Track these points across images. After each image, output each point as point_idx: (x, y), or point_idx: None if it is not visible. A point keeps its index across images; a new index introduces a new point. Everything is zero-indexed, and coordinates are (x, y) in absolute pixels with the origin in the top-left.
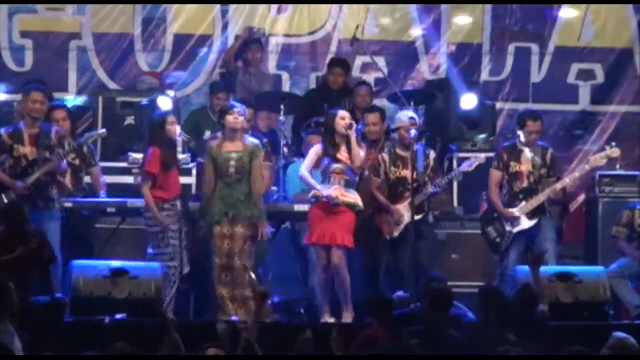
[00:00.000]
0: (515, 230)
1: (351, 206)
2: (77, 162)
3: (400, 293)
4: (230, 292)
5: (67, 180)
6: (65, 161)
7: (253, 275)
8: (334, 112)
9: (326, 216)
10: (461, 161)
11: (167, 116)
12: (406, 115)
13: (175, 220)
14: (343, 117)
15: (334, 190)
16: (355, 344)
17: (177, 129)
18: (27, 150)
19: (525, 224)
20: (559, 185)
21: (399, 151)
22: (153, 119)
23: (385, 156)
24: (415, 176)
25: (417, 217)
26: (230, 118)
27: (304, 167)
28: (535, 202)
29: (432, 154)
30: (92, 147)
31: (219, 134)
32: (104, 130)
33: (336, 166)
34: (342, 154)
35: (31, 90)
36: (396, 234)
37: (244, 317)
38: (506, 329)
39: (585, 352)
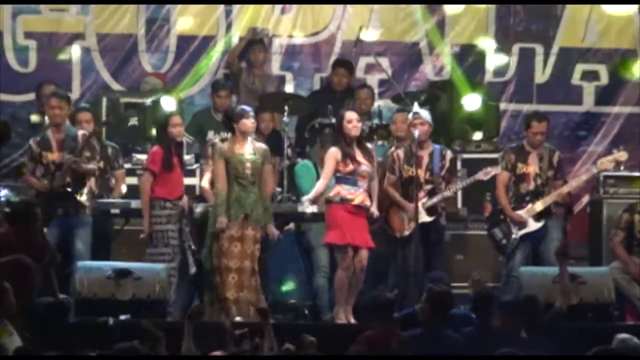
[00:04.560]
0: (521, 232)
1: (366, 209)
2: (102, 164)
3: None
4: (235, 295)
5: (92, 183)
6: (93, 164)
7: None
8: (341, 116)
9: (351, 217)
10: (465, 162)
11: (171, 117)
12: (412, 112)
13: (175, 220)
14: (350, 120)
15: (361, 194)
16: (357, 344)
17: (182, 131)
18: (54, 156)
19: (532, 226)
20: (565, 189)
21: (414, 149)
22: (158, 119)
23: (400, 153)
24: (429, 177)
25: (430, 219)
26: (247, 122)
27: (327, 177)
28: (542, 204)
29: (449, 155)
30: (117, 149)
31: (222, 134)
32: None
33: (364, 169)
34: (359, 156)
35: (50, 95)
36: (407, 232)
37: (246, 320)
38: (517, 327)
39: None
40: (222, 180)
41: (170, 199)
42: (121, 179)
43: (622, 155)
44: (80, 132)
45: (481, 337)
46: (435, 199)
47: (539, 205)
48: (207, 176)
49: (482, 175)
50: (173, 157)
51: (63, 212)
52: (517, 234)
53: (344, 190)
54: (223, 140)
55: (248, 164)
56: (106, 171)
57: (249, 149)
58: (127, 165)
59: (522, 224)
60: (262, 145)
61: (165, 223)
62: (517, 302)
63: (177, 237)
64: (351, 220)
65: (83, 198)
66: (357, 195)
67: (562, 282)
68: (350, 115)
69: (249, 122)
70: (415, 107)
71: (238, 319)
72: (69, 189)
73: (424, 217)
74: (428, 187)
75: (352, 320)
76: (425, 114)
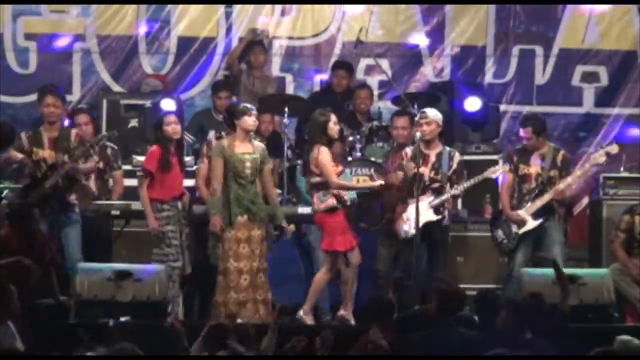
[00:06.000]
0: (521, 230)
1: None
2: (101, 165)
3: None
4: (247, 295)
5: (92, 184)
6: (93, 162)
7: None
8: (326, 117)
9: (346, 220)
10: (465, 164)
11: (165, 116)
12: (420, 110)
13: (175, 221)
14: (336, 122)
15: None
16: (357, 347)
17: (177, 129)
18: (46, 153)
19: (530, 224)
20: (561, 185)
21: (422, 148)
22: (155, 119)
23: (409, 151)
24: (434, 175)
25: (436, 218)
26: (249, 120)
27: (335, 177)
28: (540, 202)
29: (457, 157)
30: (117, 150)
31: (223, 133)
32: (114, 132)
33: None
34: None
35: (45, 94)
36: (412, 232)
37: (261, 319)
38: (521, 327)
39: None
40: (219, 179)
41: (167, 199)
42: (120, 180)
43: (613, 148)
44: (74, 132)
45: (484, 339)
46: (443, 197)
47: (537, 203)
48: (203, 175)
49: (490, 173)
50: (170, 157)
51: (52, 211)
52: (517, 232)
53: (344, 194)
54: (218, 138)
55: (248, 163)
56: (105, 172)
57: (250, 148)
58: (127, 167)
59: (520, 223)
60: (260, 144)
61: (163, 225)
62: (522, 300)
63: (178, 237)
64: (348, 223)
65: (72, 197)
66: (344, 195)
67: (560, 280)
68: (334, 118)
69: (250, 120)
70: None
71: (239, 321)
72: (60, 189)
73: (431, 216)
74: (435, 185)
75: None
76: (432, 113)
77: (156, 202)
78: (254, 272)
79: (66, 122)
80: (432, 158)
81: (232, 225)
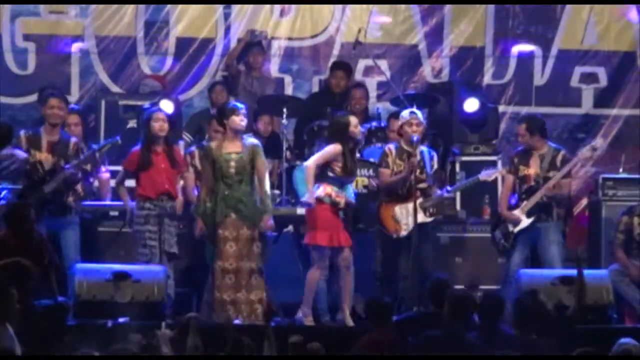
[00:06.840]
0: (517, 229)
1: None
2: (88, 167)
3: None
4: (232, 295)
5: (78, 185)
6: (79, 172)
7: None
8: (347, 119)
9: (334, 218)
10: (463, 165)
11: (154, 112)
12: (407, 111)
13: (156, 221)
14: (355, 125)
15: (344, 197)
16: (357, 348)
17: (164, 126)
18: (42, 156)
19: (524, 222)
20: (551, 182)
21: (404, 145)
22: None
23: (392, 147)
24: (419, 174)
25: (428, 220)
26: (236, 119)
27: (312, 164)
28: (534, 199)
29: (435, 157)
30: (102, 153)
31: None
32: (117, 138)
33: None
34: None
35: (48, 96)
36: (403, 232)
37: (246, 321)
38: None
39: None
40: (206, 183)
41: (152, 197)
42: (106, 182)
43: (598, 142)
44: (73, 140)
45: (488, 341)
46: (433, 199)
47: (531, 201)
48: (190, 184)
49: (485, 175)
50: (153, 155)
51: (49, 213)
52: (513, 231)
53: (334, 192)
54: (199, 148)
55: (232, 163)
56: (92, 174)
57: (236, 147)
58: None
59: (516, 222)
60: (252, 141)
61: (142, 224)
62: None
63: (157, 239)
64: (335, 221)
65: (70, 199)
66: (342, 197)
67: (578, 283)
68: (355, 120)
69: (237, 119)
70: (415, 109)
71: (237, 321)
72: (59, 192)
73: (422, 217)
74: (421, 185)
75: (351, 323)
76: (420, 114)
77: (140, 200)
78: (243, 272)
79: None
80: (417, 157)
81: (220, 225)
